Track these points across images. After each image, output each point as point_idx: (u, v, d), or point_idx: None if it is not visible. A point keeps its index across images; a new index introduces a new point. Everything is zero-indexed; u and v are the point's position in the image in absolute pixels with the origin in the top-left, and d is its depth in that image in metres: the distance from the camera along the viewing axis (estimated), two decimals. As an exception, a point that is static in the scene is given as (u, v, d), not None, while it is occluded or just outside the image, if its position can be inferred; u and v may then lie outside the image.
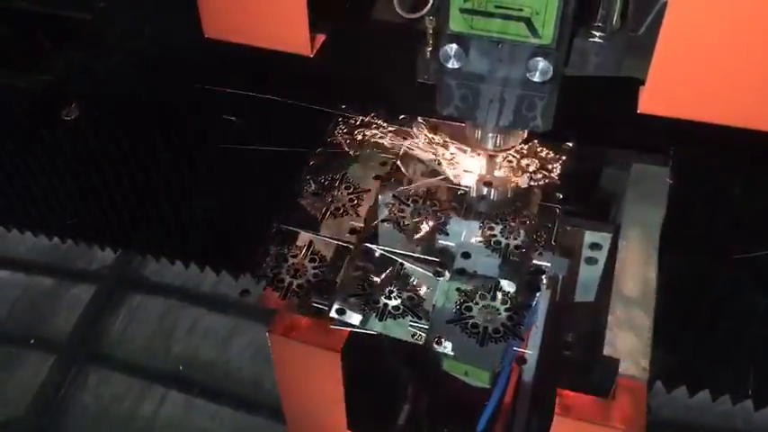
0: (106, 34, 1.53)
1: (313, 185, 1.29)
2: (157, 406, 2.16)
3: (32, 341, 2.27)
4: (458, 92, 1.05)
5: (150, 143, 1.55)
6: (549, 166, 1.27)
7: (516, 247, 1.17)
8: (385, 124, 1.36)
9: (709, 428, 1.89)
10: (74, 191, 1.74)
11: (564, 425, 1.01)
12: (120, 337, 2.30)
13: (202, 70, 1.46)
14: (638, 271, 1.17)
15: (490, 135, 1.20)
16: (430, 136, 1.33)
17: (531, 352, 1.14)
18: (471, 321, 1.11)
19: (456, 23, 0.97)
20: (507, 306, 1.13)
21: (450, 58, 0.99)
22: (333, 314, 1.14)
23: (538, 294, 1.14)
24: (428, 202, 1.25)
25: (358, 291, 1.16)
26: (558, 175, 1.26)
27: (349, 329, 1.10)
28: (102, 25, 1.50)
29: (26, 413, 2.10)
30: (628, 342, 1.08)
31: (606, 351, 1.07)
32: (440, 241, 1.20)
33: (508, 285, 1.13)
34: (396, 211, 1.24)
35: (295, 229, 1.24)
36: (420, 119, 1.34)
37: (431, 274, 1.17)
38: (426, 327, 1.12)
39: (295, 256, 1.21)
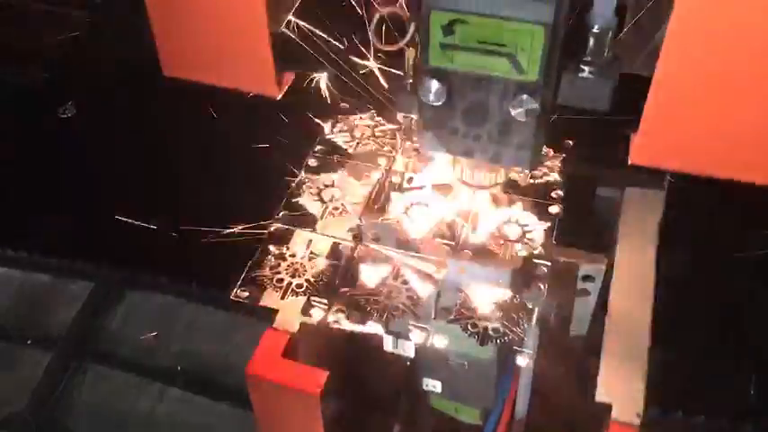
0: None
1: (312, 184, 1.29)
2: (155, 402, 2.15)
3: (29, 340, 2.26)
4: (438, 128, 1.00)
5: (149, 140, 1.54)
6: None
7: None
8: (384, 121, 1.35)
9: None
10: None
11: None
12: (119, 334, 2.29)
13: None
14: (632, 307, 1.14)
15: (472, 171, 1.14)
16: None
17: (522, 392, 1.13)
18: (471, 321, 1.11)
19: (436, 58, 0.91)
20: (506, 307, 1.13)
21: (431, 93, 0.93)
22: (332, 314, 1.13)
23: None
24: (429, 202, 1.24)
25: (358, 290, 1.16)
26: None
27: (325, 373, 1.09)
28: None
29: (24, 410, 2.10)
30: (621, 385, 1.05)
31: (598, 394, 1.05)
32: (439, 240, 1.20)
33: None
34: (396, 210, 1.24)
35: (294, 228, 1.23)
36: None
37: (431, 273, 1.16)
38: (426, 327, 1.12)
39: (294, 256, 1.20)
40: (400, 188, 1.25)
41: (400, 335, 1.17)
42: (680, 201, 1.25)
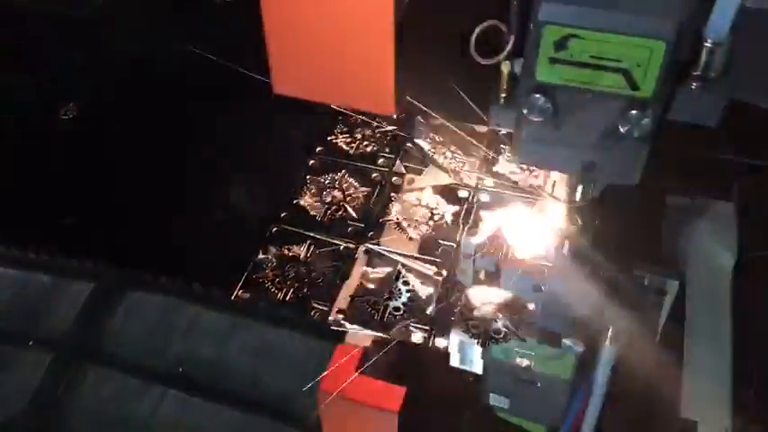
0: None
1: (313, 186, 1.29)
2: (156, 405, 2.15)
3: (31, 341, 2.25)
4: (539, 144, 0.97)
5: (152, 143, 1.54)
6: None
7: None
8: (384, 123, 1.35)
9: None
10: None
11: None
12: (119, 335, 2.28)
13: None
14: (711, 321, 1.11)
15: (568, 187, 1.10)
16: (431, 135, 1.32)
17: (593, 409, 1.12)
18: (472, 322, 1.11)
19: (543, 73, 0.88)
20: (508, 308, 1.12)
21: (535, 109, 0.91)
22: (333, 316, 1.13)
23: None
24: (429, 203, 1.25)
25: (358, 292, 1.16)
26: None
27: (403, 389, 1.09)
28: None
29: (24, 412, 2.09)
30: (706, 399, 1.02)
31: (683, 411, 1.03)
32: (440, 241, 1.20)
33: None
34: (397, 212, 1.24)
35: (295, 230, 1.23)
36: (420, 118, 1.33)
37: (431, 275, 1.16)
38: (427, 328, 1.12)
39: (295, 257, 1.21)
40: (401, 190, 1.25)
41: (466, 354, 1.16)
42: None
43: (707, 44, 0.83)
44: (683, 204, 1.26)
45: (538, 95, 0.89)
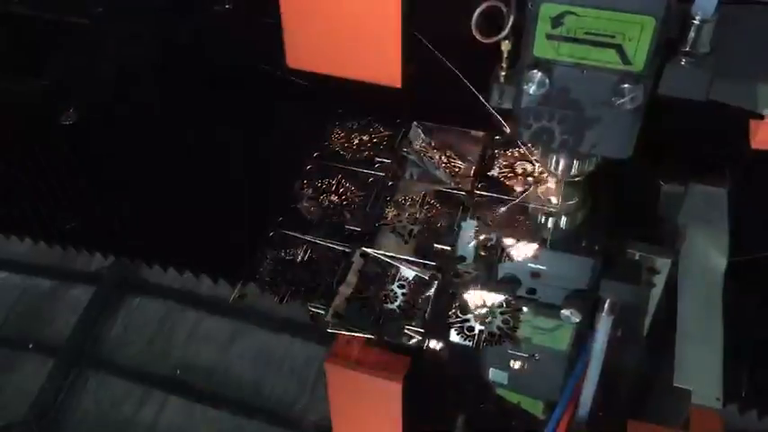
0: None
1: (310, 189, 1.29)
2: (157, 411, 2.16)
3: (31, 345, 2.27)
4: (538, 118, 1.01)
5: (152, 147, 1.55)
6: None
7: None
8: (381, 128, 1.36)
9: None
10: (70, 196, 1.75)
11: None
12: (120, 341, 2.30)
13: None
14: (702, 296, 1.14)
15: (565, 162, 1.14)
16: (427, 140, 1.33)
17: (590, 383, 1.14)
18: (467, 325, 1.11)
19: (540, 49, 0.93)
20: (502, 309, 1.13)
21: (533, 83, 0.95)
22: (329, 318, 1.14)
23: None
24: (425, 207, 1.25)
25: (355, 295, 1.16)
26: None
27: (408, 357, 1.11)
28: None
29: (26, 417, 2.10)
30: (698, 371, 1.05)
31: (676, 380, 1.05)
32: (436, 245, 1.20)
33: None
34: (393, 216, 1.24)
35: (292, 234, 1.24)
36: (416, 123, 1.34)
37: (427, 278, 1.17)
38: (422, 330, 1.12)
39: (292, 261, 1.21)
40: (397, 194, 1.26)
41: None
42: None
43: (695, 21, 0.88)
44: (676, 190, 1.29)
45: (535, 71, 0.94)
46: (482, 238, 1.20)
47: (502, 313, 1.13)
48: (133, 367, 2.24)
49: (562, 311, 1.13)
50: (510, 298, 1.14)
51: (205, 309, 2.32)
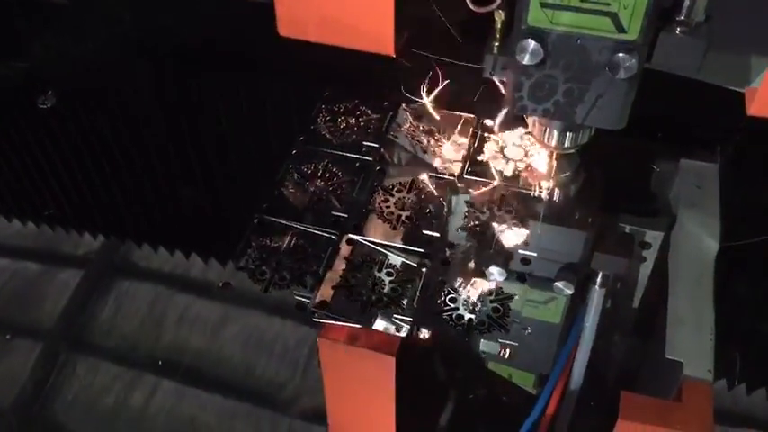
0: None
1: (296, 175, 1.27)
2: (148, 395, 2.14)
3: (8, 335, 2.24)
4: (531, 89, 1.00)
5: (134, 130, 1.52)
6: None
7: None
8: (369, 111, 1.33)
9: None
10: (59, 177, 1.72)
11: (628, 428, 0.99)
12: (109, 325, 2.27)
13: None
14: (694, 271, 1.14)
15: (558, 134, 1.14)
16: (415, 123, 1.30)
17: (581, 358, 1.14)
18: (456, 313, 1.09)
19: (535, 18, 0.92)
20: (492, 298, 1.11)
21: (527, 53, 0.94)
22: (314, 307, 1.12)
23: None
24: (413, 192, 1.23)
25: (341, 283, 1.14)
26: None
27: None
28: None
29: (12, 403, 2.08)
30: (690, 343, 1.05)
31: (668, 352, 1.05)
32: (424, 231, 1.18)
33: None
34: (381, 202, 1.22)
35: (277, 220, 1.21)
36: (404, 106, 1.31)
37: (415, 265, 1.15)
38: (410, 319, 1.10)
39: (277, 248, 1.19)
40: (385, 179, 1.24)
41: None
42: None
43: None
44: (668, 166, 1.31)
45: (529, 40, 0.93)
46: (472, 223, 1.18)
47: (492, 301, 1.11)
48: (123, 351, 2.21)
49: (555, 284, 1.13)
50: (500, 286, 1.13)
51: (195, 292, 2.29)
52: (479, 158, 1.25)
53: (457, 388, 1.42)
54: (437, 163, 1.26)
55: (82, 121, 1.52)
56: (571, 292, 1.13)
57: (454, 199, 1.22)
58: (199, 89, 1.42)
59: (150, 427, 2.03)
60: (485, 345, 1.28)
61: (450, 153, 1.27)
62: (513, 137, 1.27)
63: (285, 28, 1.08)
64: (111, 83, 1.48)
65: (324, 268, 1.16)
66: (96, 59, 1.48)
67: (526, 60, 0.95)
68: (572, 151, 1.16)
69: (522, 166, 1.24)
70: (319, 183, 1.25)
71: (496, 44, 1.01)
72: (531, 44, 0.93)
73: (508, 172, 1.23)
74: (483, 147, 1.27)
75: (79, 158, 1.62)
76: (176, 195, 1.63)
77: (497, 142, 1.27)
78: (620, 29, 0.90)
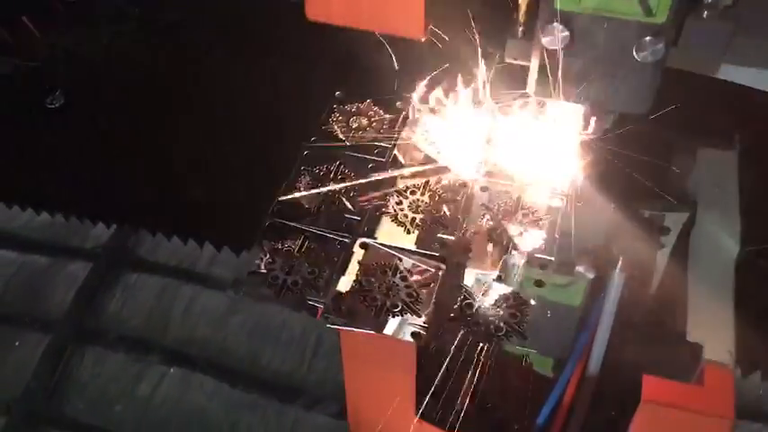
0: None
1: (307, 176, 1.25)
2: (155, 385, 2.15)
3: (27, 318, 2.25)
4: (555, 74, 1.00)
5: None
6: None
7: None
8: (381, 111, 1.31)
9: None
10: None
11: (651, 411, 1.00)
12: (117, 317, 2.28)
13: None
14: (714, 254, 1.16)
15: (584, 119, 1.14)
16: (429, 123, 1.28)
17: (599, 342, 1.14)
18: (473, 320, 1.08)
19: (563, 1, 0.92)
20: (509, 303, 1.10)
21: (555, 37, 0.94)
22: (328, 313, 1.10)
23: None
24: (427, 194, 1.21)
25: (355, 287, 1.12)
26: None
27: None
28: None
29: (23, 394, 2.09)
30: (710, 326, 1.07)
31: (689, 337, 1.07)
32: (439, 235, 1.16)
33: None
34: (394, 204, 1.20)
35: (289, 223, 1.20)
36: (417, 105, 1.29)
37: (431, 270, 1.13)
38: (426, 325, 1.09)
39: (289, 252, 1.17)
40: (398, 181, 1.22)
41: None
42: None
43: None
44: (687, 154, 1.32)
45: (556, 23, 0.93)
46: (489, 225, 1.17)
47: (508, 307, 1.09)
48: (130, 342, 2.22)
49: (576, 268, 1.13)
50: (516, 291, 1.11)
51: (202, 283, 2.30)
52: (496, 158, 1.23)
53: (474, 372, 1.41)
54: (452, 164, 1.23)
55: (91, 117, 1.51)
56: (593, 276, 1.13)
57: (470, 201, 1.20)
58: (209, 88, 1.40)
59: (157, 416, 2.04)
60: None
61: (465, 153, 1.24)
62: (531, 135, 1.25)
63: (312, 12, 1.07)
64: (121, 76, 1.46)
65: (337, 273, 1.14)
66: (104, 56, 1.46)
67: (554, 44, 0.95)
68: (593, 137, 1.15)
69: (539, 164, 1.21)
70: (331, 184, 1.23)
71: (521, 28, 1.01)
72: (558, 28, 0.93)
73: (526, 171, 1.21)
74: (499, 145, 1.24)
75: (88, 154, 1.61)
76: (186, 190, 1.62)
77: (514, 140, 1.25)
78: (648, 12, 0.90)
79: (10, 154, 1.76)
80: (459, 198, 1.20)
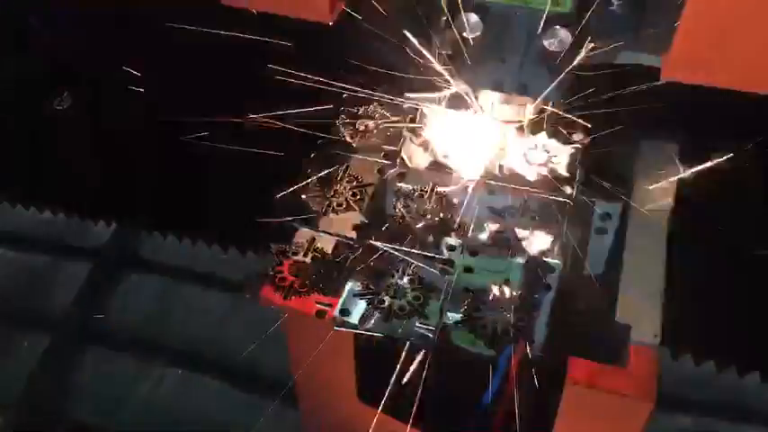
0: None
1: (314, 179, 1.25)
2: (156, 385, 2.15)
3: (25, 321, 2.25)
4: (473, 62, 1.06)
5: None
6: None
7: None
8: (388, 114, 1.31)
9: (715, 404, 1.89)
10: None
11: (576, 393, 1.03)
12: (118, 317, 2.28)
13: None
14: (648, 240, 1.18)
15: (500, 105, 1.18)
16: (435, 126, 1.28)
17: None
18: (480, 323, 1.08)
19: None
20: (517, 306, 1.10)
21: (468, 27, 1.00)
22: (335, 315, 1.11)
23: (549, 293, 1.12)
24: (434, 197, 1.21)
25: (362, 290, 1.12)
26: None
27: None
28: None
29: (23, 394, 2.09)
30: (639, 310, 1.09)
31: (618, 318, 1.09)
32: (446, 237, 1.17)
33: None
34: (401, 207, 1.20)
35: (296, 226, 1.20)
36: (424, 108, 1.29)
37: (438, 273, 1.13)
38: (433, 328, 1.09)
39: (296, 254, 1.17)
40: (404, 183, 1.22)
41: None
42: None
43: None
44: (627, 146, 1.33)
45: (472, 14, 1.00)
46: (494, 229, 1.17)
47: (515, 310, 1.10)
48: (131, 342, 2.22)
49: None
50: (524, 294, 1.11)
51: (202, 284, 2.30)
52: (502, 163, 1.23)
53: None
54: (458, 167, 1.24)
55: (97, 119, 1.51)
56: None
57: (476, 205, 1.20)
58: (216, 88, 1.39)
59: (157, 416, 2.04)
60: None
61: (471, 157, 1.25)
62: (536, 140, 1.25)
63: None
64: (126, 76, 1.46)
65: (344, 276, 1.14)
66: (112, 56, 1.45)
67: (468, 34, 1.02)
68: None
69: (544, 170, 1.22)
70: (338, 187, 1.23)
71: (444, 18, 1.05)
72: (474, 18, 1.00)
73: (531, 176, 1.21)
74: (505, 150, 1.25)
75: (92, 155, 1.61)
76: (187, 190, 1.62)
77: (520, 146, 1.25)
78: (554, 2, 0.97)
79: (11, 154, 1.75)
80: (465, 202, 1.20)
